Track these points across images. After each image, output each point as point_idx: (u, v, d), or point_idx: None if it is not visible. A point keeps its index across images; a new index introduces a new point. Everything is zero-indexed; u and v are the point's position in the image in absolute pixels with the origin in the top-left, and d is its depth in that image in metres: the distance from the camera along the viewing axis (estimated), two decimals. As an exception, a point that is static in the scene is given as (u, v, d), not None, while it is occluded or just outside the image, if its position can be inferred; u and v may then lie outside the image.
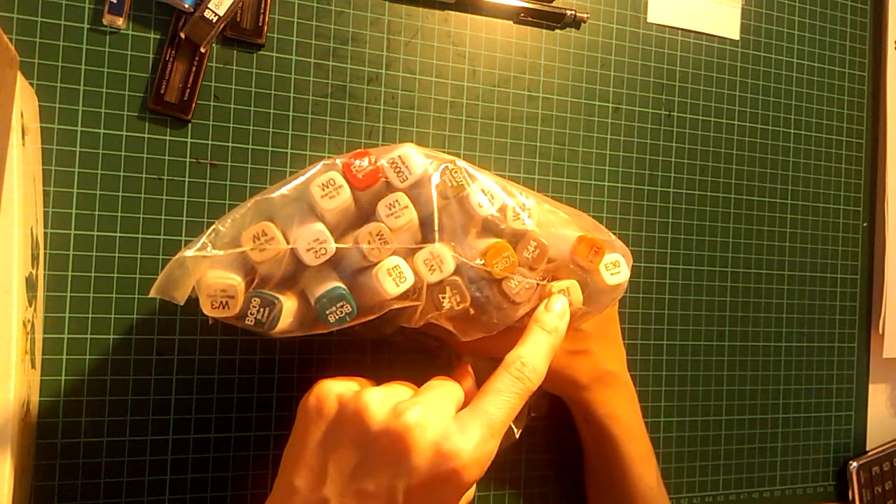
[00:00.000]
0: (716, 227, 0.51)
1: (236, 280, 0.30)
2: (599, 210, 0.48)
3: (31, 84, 0.37)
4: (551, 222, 0.34)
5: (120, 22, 0.38)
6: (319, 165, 0.31)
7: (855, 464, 0.54)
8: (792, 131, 0.54)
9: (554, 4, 0.46)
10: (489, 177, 0.33)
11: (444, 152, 0.33)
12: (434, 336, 0.37)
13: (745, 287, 0.52)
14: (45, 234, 0.37)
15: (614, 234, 0.36)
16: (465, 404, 0.31)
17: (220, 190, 0.40)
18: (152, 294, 0.29)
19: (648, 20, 0.49)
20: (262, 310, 0.30)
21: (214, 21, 0.38)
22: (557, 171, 0.47)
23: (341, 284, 0.31)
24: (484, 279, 0.33)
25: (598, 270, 0.35)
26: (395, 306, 0.31)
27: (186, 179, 0.39)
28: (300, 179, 0.31)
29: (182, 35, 0.38)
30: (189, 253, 0.29)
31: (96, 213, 0.38)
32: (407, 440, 0.28)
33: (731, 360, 0.51)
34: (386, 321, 0.34)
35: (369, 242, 0.31)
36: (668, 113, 0.50)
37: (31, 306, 0.34)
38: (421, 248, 0.31)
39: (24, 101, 0.33)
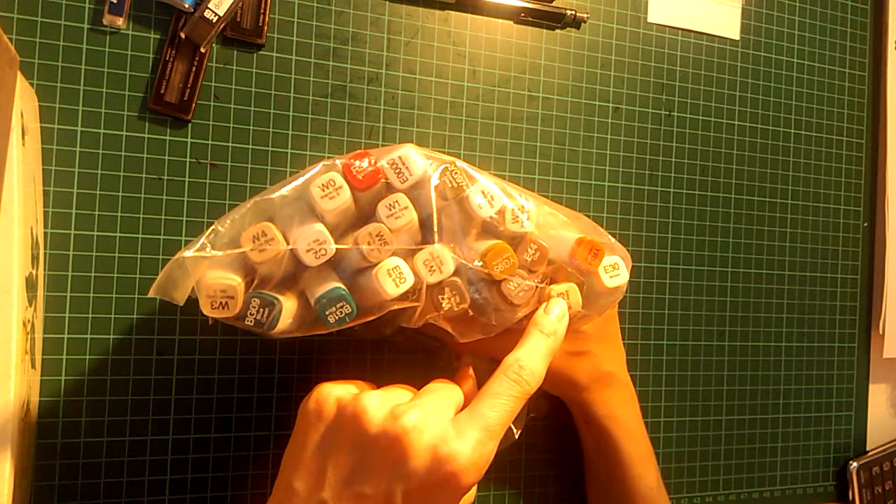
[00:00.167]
0: (716, 227, 0.51)
1: (236, 280, 0.30)
2: (599, 210, 0.48)
3: (31, 84, 0.37)
4: (550, 224, 0.34)
5: (120, 22, 0.38)
6: (319, 166, 0.31)
7: (855, 464, 0.54)
8: (792, 131, 0.54)
9: (554, 4, 0.46)
10: (489, 178, 0.33)
11: (444, 153, 0.33)
12: (434, 337, 0.37)
13: (745, 287, 0.52)
14: (45, 234, 0.37)
15: (614, 234, 0.36)
16: (465, 407, 0.31)
17: (220, 190, 0.40)
18: (151, 294, 0.29)
19: (648, 20, 0.49)
20: (261, 310, 0.30)
21: (214, 21, 0.38)
22: (557, 171, 0.47)
23: (341, 285, 0.31)
24: (483, 281, 0.33)
25: (597, 273, 0.35)
26: (395, 307, 0.31)
27: (186, 179, 0.39)
28: (300, 180, 0.30)
29: (182, 35, 0.38)
30: (188, 253, 0.29)
31: (96, 213, 0.38)
32: (404, 443, 0.28)
33: (731, 360, 0.51)
34: (385, 322, 0.34)
35: (369, 243, 0.31)
36: (668, 113, 0.50)
37: (31, 306, 0.34)
38: (421, 249, 0.31)
39: (24, 101, 0.33)
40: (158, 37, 0.39)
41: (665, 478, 0.44)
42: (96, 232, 0.38)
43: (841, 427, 0.55)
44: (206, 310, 0.29)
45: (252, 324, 0.30)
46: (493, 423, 0.29)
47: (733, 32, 0.52)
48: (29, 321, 0.33)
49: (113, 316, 0.38)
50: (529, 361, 0.31)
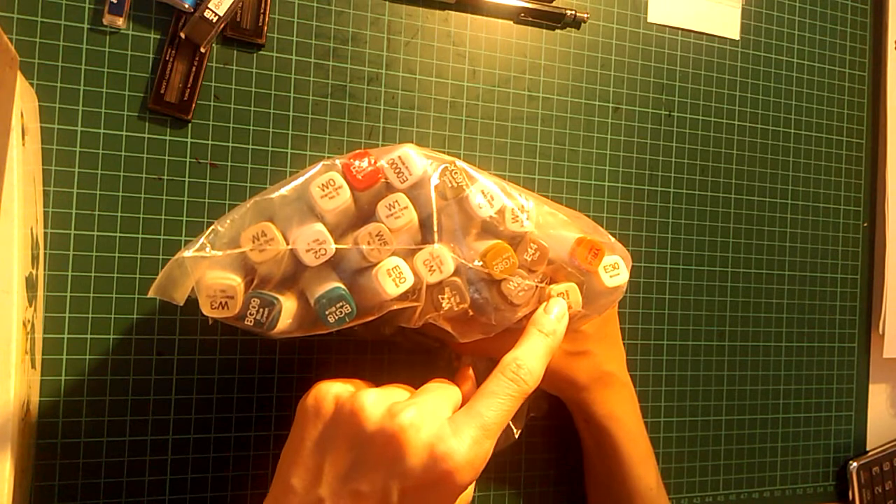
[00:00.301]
0: (716, 227, 0.51)
1: (236, 280, 0.30)
2: (599, 210, 0.48)
3: (31, 84, 0.37)
4: (550, 224, 0.34)
5: (120, 22, 0.38)
6: (319, 166, 0.31)
7: (855, 464, 0.54)
8: (792, 131, 0.54)
9: (554, 4, 0.46)
10: (489, 178, 0.33)
11: (444, 152, 0.33)
12: (434, 337, 0.37)
13: (745, 287, 0.52)
14: (45, 234, 0.37)
15: (614, 234, 0.36)
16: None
17: (220, 190, 0.40)
18: (151, 294, 0.29)
19: (648, 20, 0.49)
20: (261, 310, 0.30)
21: (214, 21, 0.38)
22: (557, 171, 0.47)
23: (341, 285, 0.31)
24: (483, 280, 0.33)
25: (597, 272, 0.35)
26: (395, 307, 0.31)
27: (186, 179, 0.39)
28: (300, 180, 0.30)
29: (182, 35, 0.38)
30: (188, 253, 0.29)
31: (96, 213, 0.38)
32: (401, 440, 0.28)
33: (731, 360, 0.51)
34: (385, 322, 0.34)
35: (369, 243, 0.31)
36: (668, 113, 0.50)
37: (31, 306, 0.34)
38: (420, 249, 0.31)
39: (24, 101, 0.33)
40: (158, 37, 0.39)
41: (665, 478, 0.44)
42: (96, 232, 0.38)
43: (841, 427, 0.55)
44: (205, 310, 0.29)
45: (252, 324, 0.30)
46: (489, 422, 0.29)
47: (733, 32, 0.52)
48: (29, 321, 0.33)
49: (113, 316, 0.38)
50: (528, 360, 0.31)
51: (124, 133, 0.38)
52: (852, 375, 0.56)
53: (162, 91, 0.38)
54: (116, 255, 0.38)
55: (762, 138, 0.53)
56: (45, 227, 0.37)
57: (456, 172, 0.32)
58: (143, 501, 0.38)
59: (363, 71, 0.43)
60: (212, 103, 0.40)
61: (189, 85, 0.39)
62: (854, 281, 0.56)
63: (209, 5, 0.38)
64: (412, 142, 0.42)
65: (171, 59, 0.39)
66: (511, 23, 0.46)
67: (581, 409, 0.41)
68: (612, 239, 0.35)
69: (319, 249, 0.30)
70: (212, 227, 0.30)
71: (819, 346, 0.54)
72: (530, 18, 0.46)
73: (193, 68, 0.39)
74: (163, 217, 0.39)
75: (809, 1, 0.54)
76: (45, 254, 0.37)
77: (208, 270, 0.29)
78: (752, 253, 0.52)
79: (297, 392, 0.41)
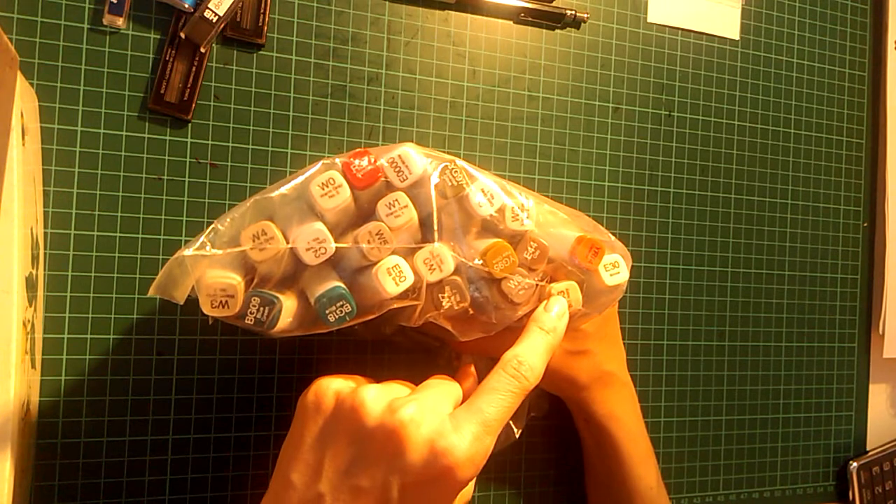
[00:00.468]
0: (716, 227, 0.51)
1: (236, 279, 0.30)
2: (599, 210, 0.48)
3: (31, 84, 0.37)
4: (550, 223, 0.34)
5: (120, 22, 0.38)
6: (319, 165, 0.31)
7: (855, 464, 0.54)
8: (792, 131, 0.54)
9: (554, 4, 0.46)
10: (489, 177, 0.33)
11: (444, 152, 0.33)
12: (434, 336, 0.37)
13: (745, 287, 0.52)
14: (45, 234, 0.37)
15: (614, 234, 0.36)
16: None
17: (220, 190, 0.40)
18: (151, 293, 0.29)
19: (648, 20, 0.49)
20: (261, 309, 0.30)
21: (214, 21, 0.38)
22: (557, 171, 0.47)
23: (341, 284, 0.31)
24: (483, 279, 0.33)
25: (597, 271, 0.35)
26: (395, 306, 0.31)
27: (186, 179, 0.39)
28: (300, 179, 0.30)
29: (182, 35, 0.38)
30: (188, 252, 0.29)
31: (96, 213, 0.38)
32: (401, 436, 0.28)
33: (731, 360, 0.51)
34: (385, 321, 0.34)
35: (369, 242, 0.31)
36: (668, 113, 0.50)
37: (31, 306, 0.34)
38: (421, 248, 0.31)
39: (24, 101, 0.33)
40: (158, 37, 0.39)
41: (665, 478, 0.44)
42: (96, 232, 0.38)
43: (841, 427, 0.55)
44: (206, 309, 0.29)
45: (252, 323, 0.30)
46: (490, 418, 0.29)
47: (733, 32, 0.52)
48: (29, 321, 0.33)
49: (113, 316, 0.38)
50: (528, 357, 0.31)
51: (124, 133, 0.38)
52: (852, 375, 0.55)
53: (162, 91, 0.38)
54: (116, 255, 0.38)
55: (762, 138, 0.53)
56: (45, 227, 0.37)
57: (456, 171, 0.32)
58: (143, 501, 0.38)
59: (363, 71, 0.43)
60: (212, 103, 0.40)
61: (189, 85, 0.39)
62: (854, 281, 0.56)
63: (209, 5, 0.38)
64: (412, 142, 0.42)
65: (171, 59, 0.39)
66: (511, 23, 0.46)
67: (581, 409, 0.41)
68: (613, 237, 0.35)
69: (319, 248, 0.30)
70: (212, 225, 0.30)
71: (819, 346, 0.54)
72: (530, 18, 0.46)
73: (193, 68, 0.39)
74: (163, 217, 0.39)
75: (809, 1, 0.54)
76: (45, 254, 0.37)
77: (208, 269, 0.29)
78: (752, 253, 0.52)
79: (297, 392, 0.41)
